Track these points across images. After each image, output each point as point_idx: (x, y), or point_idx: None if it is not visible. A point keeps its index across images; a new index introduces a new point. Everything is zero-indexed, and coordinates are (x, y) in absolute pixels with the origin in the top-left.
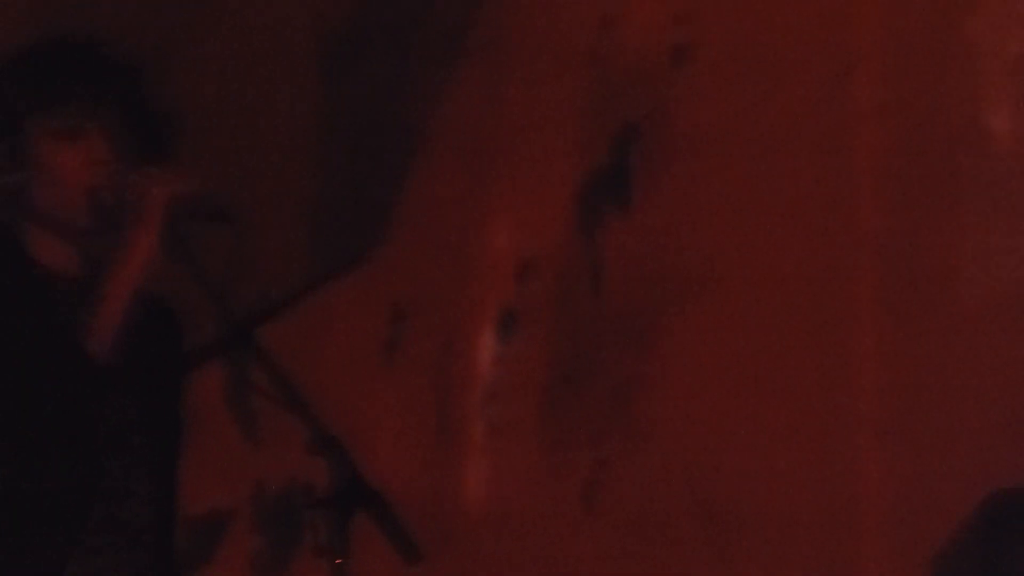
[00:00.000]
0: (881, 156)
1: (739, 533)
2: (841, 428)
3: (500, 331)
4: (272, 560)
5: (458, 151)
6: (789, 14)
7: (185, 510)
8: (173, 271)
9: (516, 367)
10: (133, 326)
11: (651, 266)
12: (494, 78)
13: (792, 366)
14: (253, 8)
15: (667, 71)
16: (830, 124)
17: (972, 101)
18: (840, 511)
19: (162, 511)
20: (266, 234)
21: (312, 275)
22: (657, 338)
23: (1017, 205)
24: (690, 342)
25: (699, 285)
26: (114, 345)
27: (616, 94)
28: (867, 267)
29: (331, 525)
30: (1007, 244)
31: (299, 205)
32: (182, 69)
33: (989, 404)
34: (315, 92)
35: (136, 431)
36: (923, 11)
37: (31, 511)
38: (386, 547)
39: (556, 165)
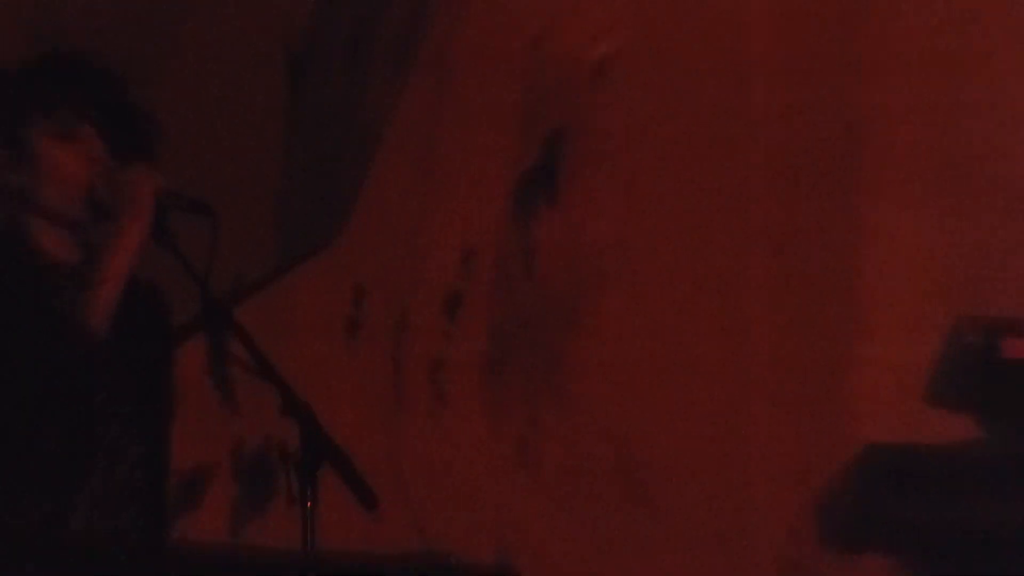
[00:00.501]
0: (775, 155)
1: (651, 486)
2: (736, 395)
3: (447, 310)
4: (250, 507)
5: (408, 151)
6: (693, 31)
7: (175, 465)
8: (159, 256)
9: (461, 341)
10: (126, 305)
11: (576, 253)
12: (439, 87)
13: (695, 341)
14: (228, 23)
15: (589, 82)
16: (728, 127)
17: (857, 107)
18: (735, 466)
19: (153, 470)
20: (240, 223)
21: (282, 260)
22: (582, 316)
23: (906, 198)
24: (610, 319)
25: (617, 270)
26: (108, 321)
27: (545, 102)
28: (760, 255)
29: (301, 477)
30: (893, 232)
31: (269, 197)
32: (167, 74)
33: (863, 376)
34: (282, 97)
35: (128, 398)
36: (812, 22)
37: (35, 471)
38: (348, 495)
39: (494, 164)
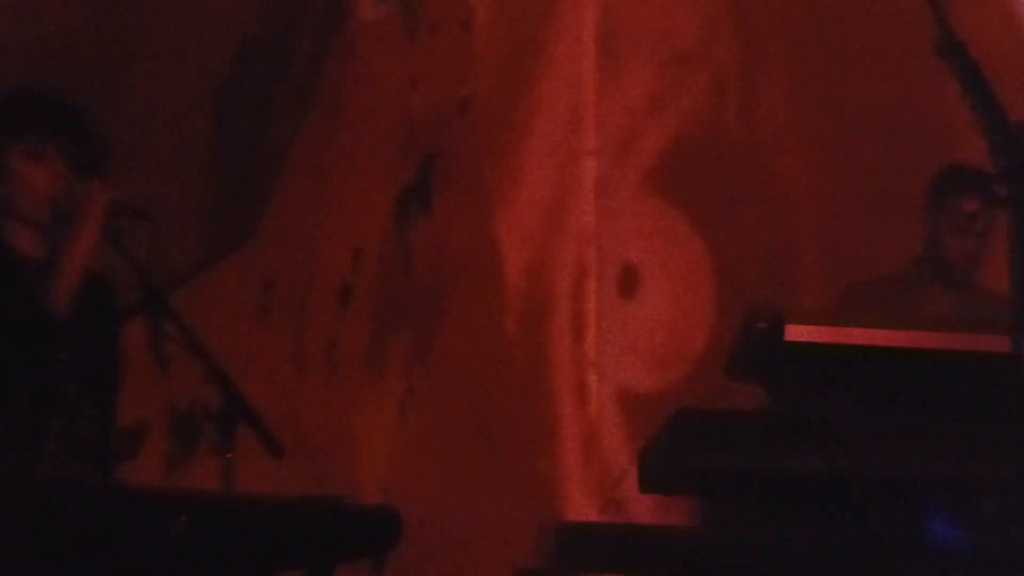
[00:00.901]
0: (600, 182)
1: (503, 442)
2: (557, 367)
3: (340, 299)
4: (180, 457)
5: (309, 171)
6: (535, 80)
7: (118, 423)
8: (109, 253)
9: (351, 323)
10: (82, 291)
11: (444, 253)
12: (333, 120)
13: (531, 322)
14: (167, 68)
15: (455, 117)
16: (563, 158)
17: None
18: (568, 423)
19: (103, 427)
20: (174, 226)
21: (206, 256)
22: (449, 303)
23: (707, 214)
24: (470, 306)
25: (475, 268)
26: (68, 304)
27: (420, 133)
28: (571, 258)
29: (221, 433)
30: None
31: (197, 204)
32: (119, 105)
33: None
34: (207, 123)
35: (84, 367)
36: (626, 76)
37: (7, 427)
38: (259, 447)
39: (378, 182)
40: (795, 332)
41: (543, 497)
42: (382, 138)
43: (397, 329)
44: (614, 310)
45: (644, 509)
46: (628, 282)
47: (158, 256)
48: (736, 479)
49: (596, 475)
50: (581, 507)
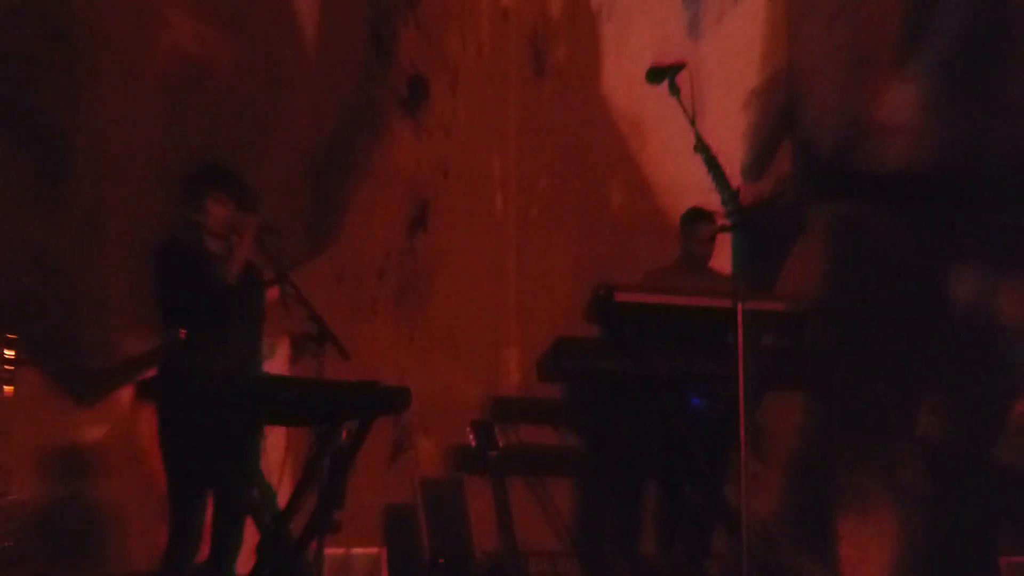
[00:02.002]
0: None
1: (465, 351)
2: (502, 314)
3: (379, 277)
4: (295, 359)
5: (359, 206)
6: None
7: (264, 341)
8: (256, 254)
9: (385, 291)
10: (243, 271)
11: (435, 255)
12: (372, 179)
13: (485, 282)
14: (287, 136)
15: (441, 180)
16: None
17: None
18: (502, 314)
19: (257, 343)
20: (289, 237)
21: (307, 254)
22: (437, 279)
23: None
24: (450, 280)
25: (450, 262)
26: (236, 278)
27: (421, 187)
28: (509, 254)
29: (316, 346)
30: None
31: (302, 225)
32: (257, 164)
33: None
34: (308, 178)
35: (247, 315)
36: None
37: (203, 342)
38: (335, 355)
39: (398, 212)
40: (621, 296)
41: (487, 382)
42: (401, 190)
43: (408, 294)
44: (533, 281)
45: (541, 392)
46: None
47: (282, 252)
48: (588, 375)
49: (518, 376)
50: (506, 389)
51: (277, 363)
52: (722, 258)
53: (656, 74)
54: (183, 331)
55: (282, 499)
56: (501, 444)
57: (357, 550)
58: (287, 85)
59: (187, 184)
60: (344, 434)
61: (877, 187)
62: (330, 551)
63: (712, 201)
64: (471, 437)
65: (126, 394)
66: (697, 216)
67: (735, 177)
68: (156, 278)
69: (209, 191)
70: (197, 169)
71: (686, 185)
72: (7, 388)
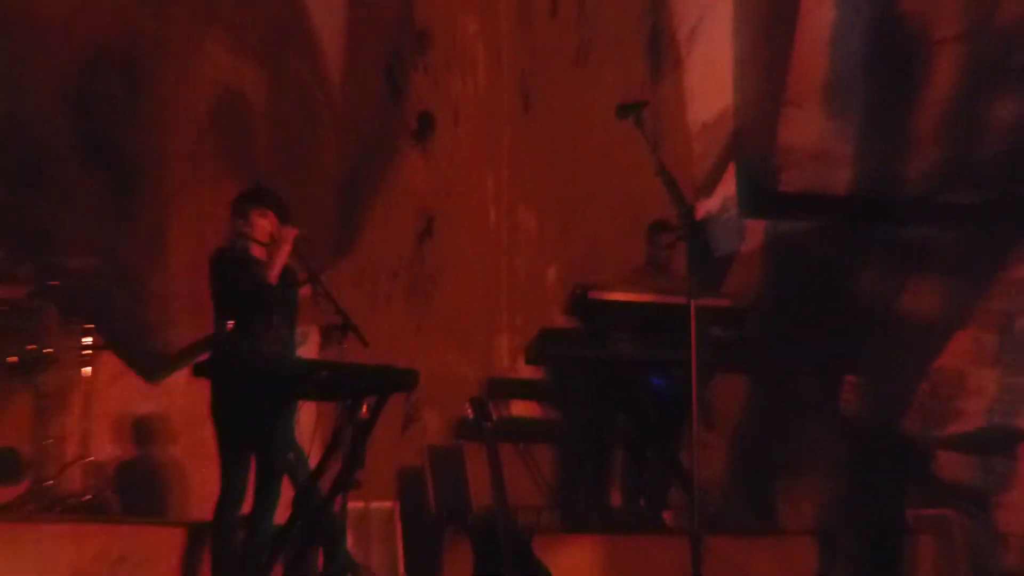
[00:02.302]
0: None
1: (463, 340)
2: (495, 309)
3: (392, 276)
4: (324, 346)
5: (375, 220)
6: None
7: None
8: (292, 258)
9: (397, 288)
10: (282, 274)
11: (439, 257)
12: (388, 195)
13: (481, 282)
14: (318, 165)
15: (446, 195)
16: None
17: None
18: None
19: (292, 331)
20: (321, 244)
21: (335, 257)
22: (440, 277)
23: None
24: (452, 277)
25: (455, 263)
26: (275, 280)
27: (427, 200)
28: (501, 259)
29: (340, 335)
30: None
31: (332, 234)
32: (301, 183)
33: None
34: (337, 197)
35: (285, 309)
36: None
37: (248, 330)
38: (357, 343)
39: (410, 223)
40: (593, 294)
41: (482, 365)
42: (411, 206)
43: (417, 292)
44: (521, 281)
45: (527, 373)
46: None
47: (313, 257)
48: (567, 359)
49: (508, 360)
50: (499, 371)
51: (309, 348)
52: (679, 262)
53: (623, 110)
54: (231, 322)
55: (313, 461)
56: (494, 417)
57: (375, 504)
58: (316, 120)
59: (236, 201)
60: (364, 408)
61: (804, 205)
62: (352, 505)
63: (671, 215)
64: (469, 411)
65: (184, 374)
66: (659, 227)
67: (689, 195)
68: (211, 279)
69: (254, 207)
70: (244, 189)
71: (649, 202)
72: (86, 369)
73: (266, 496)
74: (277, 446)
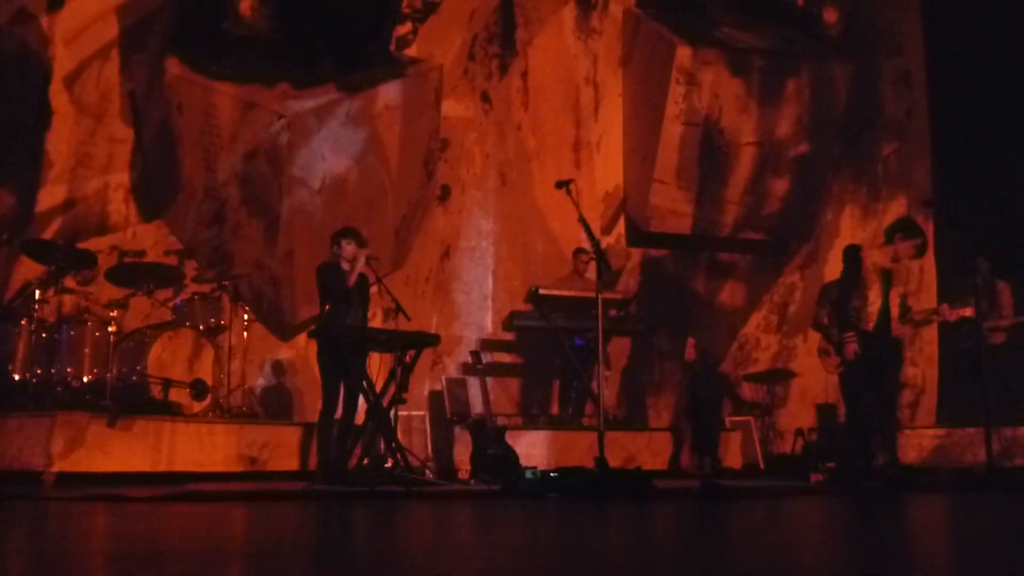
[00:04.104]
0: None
1: (453, 309)
2: (482, 288)
3: (426, 280)
4: (382, 322)
5: (415, 242)
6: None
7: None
8: (366, 269)
9: (425, 289)
10: (359, 278)
11: (446, 272)
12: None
13: (474, 288)
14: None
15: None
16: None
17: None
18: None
19: (364, 320)
20: (384, 258)
21: (393, 268)
22: (449, 286)
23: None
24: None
25: (457, 275)
26: (353, 282)
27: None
28: (487, 272)
29: (394, 313)
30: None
31: (391, 251)
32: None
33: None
34: (398, 223)
35: (361, 299)
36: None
37: (337, 315)
38: (404, 319)
39: (437, 242)
40: (543, 291)
41: (479, 331)
42: (436, 239)
43: (439, 290)
44: (501, 285)
45: (504, 336)
46: (507, 280)
47: (378, 268)
48: (527, 328)
49: (492, 328)
50: (488, 335)
51: (375, 322)
52: (591, 273)
53: (559, 184)
54: (328, 306)
55: (378, 386)
56: (484, 361)
57: (414, 412)
58: (382, 190)
59: (333, 235)
60: (408, 356)
61: (664, 240)
62: (401, 413)
63: (587, 245)
64: (471, 358)
65: (303, 336)
66: (580, 252)
67: (597, 234)
68: (318, 281)
69: (342, 238)
70: (339, 230)
71: (575, 239)
72: (246, 334)
73: (349, 408)
74: (356, 378)
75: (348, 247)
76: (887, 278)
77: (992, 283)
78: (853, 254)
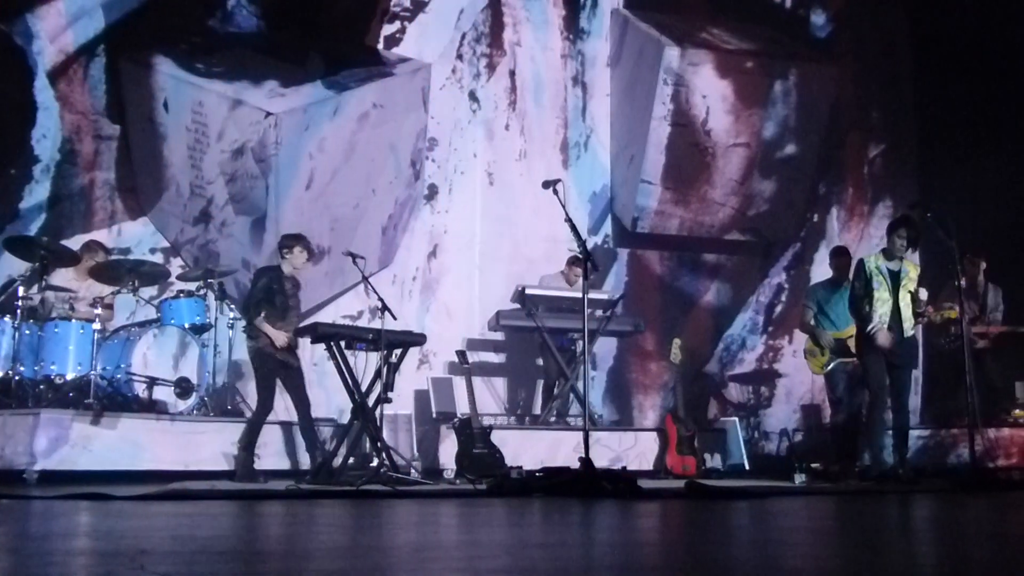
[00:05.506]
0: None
1: (448, 308)
2: (471, 288)
3: (412, 280)
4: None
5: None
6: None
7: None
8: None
9: (414, 286)
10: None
11: (433, 271)
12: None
13: (462, 286)
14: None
15: None
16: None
17: None
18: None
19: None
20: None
21: (380, 267)
22: (436, 285)
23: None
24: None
25: (444, 274)
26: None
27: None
28: (475, 272)
29: (381, 312)
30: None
31: (376, 255)
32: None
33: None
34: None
35: (297, 317)
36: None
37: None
38: (390, 316)
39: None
40: (529, 291)
41: (465, 330)
42: (424, 239)
43: (426, 289)
44: (487, 284)
45: (490, 336)
46: (494, 279)
47: (365, 267)
48: (513, 328)
49: (479, 328)
50: (473, 334)
51: (363, 321)
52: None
53: (546, 184)
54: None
55: (364, 385)
56: (470, 361)
57: (400, 411)
58: (368, 189)
59: (283, 240)
60: (394, 355)
61: (651, 241)
62: (387, 412)
63: (573, 246)
64: (457, 357)
65: None
66: (575, 260)
67: (584, 234)
68: (253, 283)
69: (297, 245)
70: (289, 235)
71: (562, 238)
72: (231, 333)
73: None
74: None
75: (300, 256)
76: (894, 278)
77: (986, 286)
78: (843, 256)
